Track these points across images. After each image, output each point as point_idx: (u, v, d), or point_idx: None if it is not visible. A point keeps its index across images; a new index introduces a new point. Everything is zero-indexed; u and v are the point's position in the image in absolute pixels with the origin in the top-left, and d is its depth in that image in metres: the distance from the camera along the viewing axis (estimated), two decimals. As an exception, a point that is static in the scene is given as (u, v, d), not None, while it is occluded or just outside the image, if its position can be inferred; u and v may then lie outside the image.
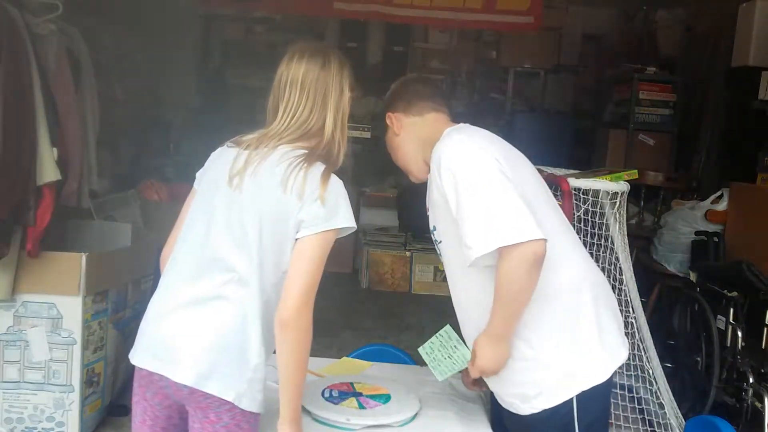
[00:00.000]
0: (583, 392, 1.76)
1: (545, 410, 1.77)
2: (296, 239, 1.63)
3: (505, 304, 1.70)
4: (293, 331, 1.59)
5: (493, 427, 1.97)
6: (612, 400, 2.96)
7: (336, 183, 1.65)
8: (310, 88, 1.70)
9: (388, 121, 2.01)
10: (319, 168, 1.64)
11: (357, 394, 2.04)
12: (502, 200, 1.66)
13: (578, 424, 1.76)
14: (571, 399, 1.76)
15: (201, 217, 1.71)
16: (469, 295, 1.85)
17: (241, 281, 1.62)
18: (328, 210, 1.61)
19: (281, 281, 1.64)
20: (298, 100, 1.70)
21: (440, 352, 1.94)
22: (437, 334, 1.95)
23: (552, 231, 1.72)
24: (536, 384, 1.78)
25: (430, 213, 1.89)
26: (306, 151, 1.67)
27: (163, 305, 1.68)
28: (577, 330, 1.78)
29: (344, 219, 1.64)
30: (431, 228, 1.90)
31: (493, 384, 1.90)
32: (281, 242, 1.64)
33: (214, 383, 1.58)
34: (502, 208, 1.65)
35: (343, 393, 2.04)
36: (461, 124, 1.94)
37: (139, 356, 1.67)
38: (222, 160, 1.73)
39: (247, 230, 1.63)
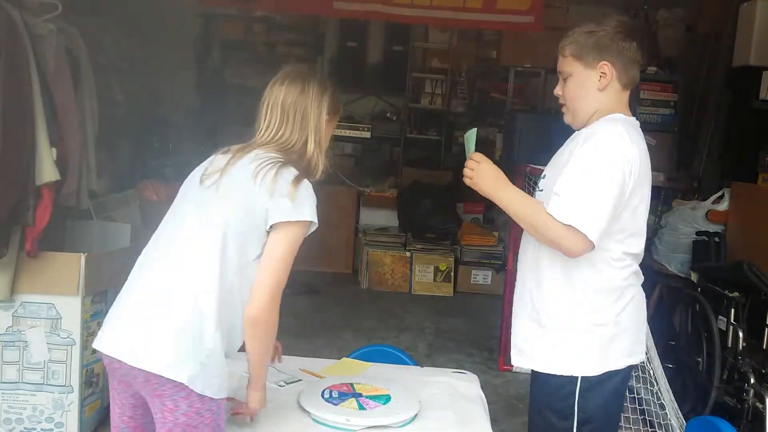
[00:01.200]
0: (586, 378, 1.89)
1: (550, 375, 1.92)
2: (267, 231, 1.73)
3: (524, 212, 1.87)
4: (261, 327, 1.74)
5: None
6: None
7: (306, 184, 1.76)
8: (289, 111, 1.83)
9: (601, 70, 1.95)
10: (291, 171, 1.76)
11: (357, 395, 2.03)
12: (600, 198, 1.80)
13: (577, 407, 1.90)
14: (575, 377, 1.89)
15: (174, 212, 1.83)
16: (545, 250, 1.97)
17: (200, 270, 1.70)
18: (295, 205, 1.71)
19: (246, 268, 1.73)
20: (279, 121, 1.84)
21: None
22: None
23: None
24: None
25: (549, 164, 2.04)
26: (281, 156, 1.79)
27: (123, 294, 1.78)
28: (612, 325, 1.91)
29: (309, 214, 1.74)
30: (542, 175, 2.04)
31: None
32: (246, 233, 1.73)
33: (165, 365, 1.63)
34: (594, 200, 1.79)
35: (342, 394, 2.03)
36: (632, 118, 2.01)
37: (97, 342, 1.75)
38: (204, 164, 1.87)
39: (214, 222, 1.72)
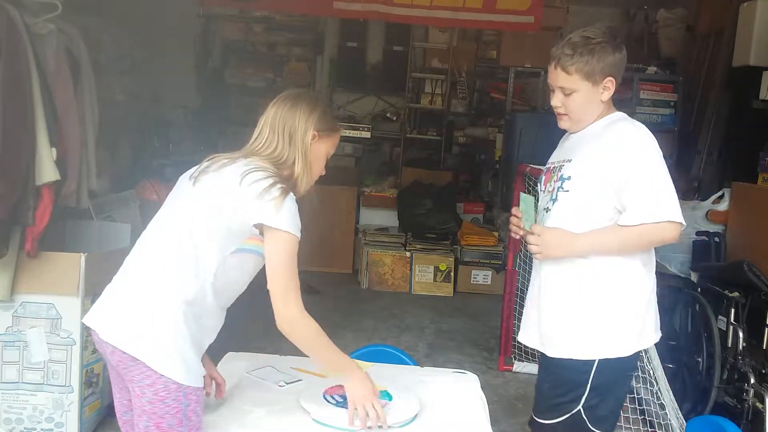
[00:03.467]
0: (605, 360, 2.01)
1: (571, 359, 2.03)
2: (251, 230, 1.78)
3: (610, 241, 1.99)
4: (293, 335, 1.83)
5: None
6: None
7: (292, 199, 1.81)
8: (276, 126, 1.90)
9: (606, 86, 2.04)
10: (279, 185, 1.79)
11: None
12: (671, 185, 1.97)
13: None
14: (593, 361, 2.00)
15: (164, 208, 1.90)
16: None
17: (168, 258, 1.77)
18: (282, 214, 1.76)
19: (223, 263, 1.79)
20: (269, 135, 1.90)
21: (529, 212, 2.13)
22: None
23: None
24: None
25: (568, 165, 2.08)
26: (272, 168, 1.84)
27: (119, 276, 1.86)
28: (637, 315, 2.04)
29: (294, 227, 1.78)
30: (566, 176, 2.07)
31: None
32: (223, 228, 1.78)
33: (128, 341, 1.71)
34: (672, 191, 1.97)
35: (343, 394, 2.03)
36: (626, 114, 2.13)
37: (86, 315, 1.85)
38: (199, 166, 1.92)
39: (189, 214, 1.80)
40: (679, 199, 1.99)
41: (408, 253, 6.18)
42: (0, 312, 2.94)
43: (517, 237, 2.21)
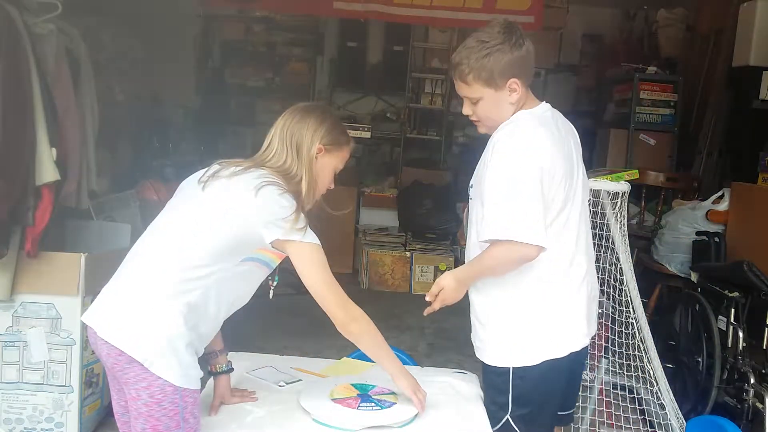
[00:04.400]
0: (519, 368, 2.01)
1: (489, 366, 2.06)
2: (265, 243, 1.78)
3: (480, 269, 1.98)
4: (354, 337, 1.89)
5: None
6: (612, 401, 2.97)
7: (302, 215, 1.81)
8: (284, 137, 1.89)
9: (511, 88, 1.97)
10: (291, 199, 1.80)
11: (357, 395, 2.03)
12: (524, 200, 1.86)
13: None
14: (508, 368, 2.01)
15: (169, 210, 1.88)
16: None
17: (167, 259, 1.75)
18: (302, 226, 1.79)
19: (239, 272, 1.80)
20: (278, 147, 1.89)
21: None
22: None
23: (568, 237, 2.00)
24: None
25: (476, 171, 2.05)
26: (284, 182, 1.83)
27: (117, 275, 1.85)
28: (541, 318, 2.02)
29: (313, 238, 1.83)
30: (470, 184, 2.08)
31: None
32: (229, 236, 1.76)
33: (126, 341, 1.69)
34: (521, 207, 1.85)
35: (343, 394, 2.03)
36: (542, 106, 2.04)
37: (85, 314, 1.84)
38: (207, 169, 1.90)
39: (192, 218, 1.79)
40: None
41: (408, 253, 6.18)
42: (0, 312, 2.94)
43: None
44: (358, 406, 1.96)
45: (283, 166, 1.86)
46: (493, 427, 1.99)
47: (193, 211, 1.81)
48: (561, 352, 2.03)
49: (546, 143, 1.92)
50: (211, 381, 2.01)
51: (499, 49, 1.92)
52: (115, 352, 1.70)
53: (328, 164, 1.94)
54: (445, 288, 2.01)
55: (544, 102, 2.06)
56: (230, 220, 1.75)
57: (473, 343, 2.15)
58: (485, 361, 2.09)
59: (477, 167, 2.05)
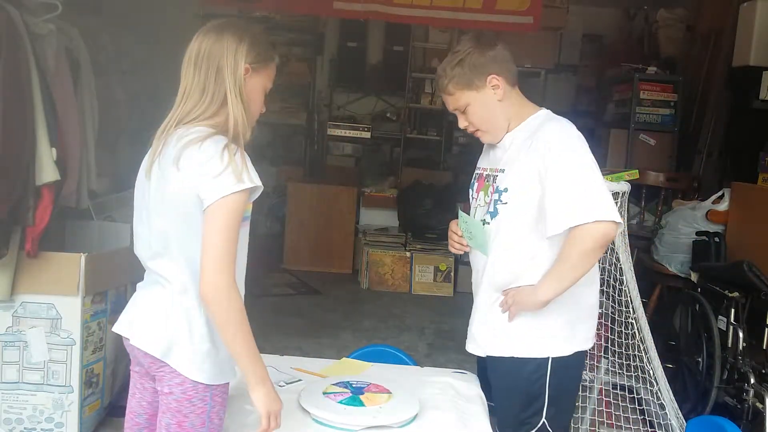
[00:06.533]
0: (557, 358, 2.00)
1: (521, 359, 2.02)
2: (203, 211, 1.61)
3: (560, 270, 1.91)
4: (213, 307, 1.61)
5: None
6: (612, 401, 2.97)
7: (232, 150, 1.60)
8: (202, 64, 1.68)
9: (492, 84, 2.02)
10: (217, 142, 1.62)
11: (357, 395, 2.03)
12: (597, 184, 1.88)
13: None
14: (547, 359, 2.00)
15: (136, 212, 1.82)
16: (511, 255, 2.02)
17: (168, 263, 1.70)
18: (223, 177, 1.58)
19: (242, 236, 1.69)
20: (192, 77, 1.69)
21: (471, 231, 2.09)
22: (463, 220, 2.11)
23: None
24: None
25: (501, 176, 2.03)
26: (203, 128, 1.66)
27: (139, 284, 1.86)
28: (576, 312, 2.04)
29: (241, 182, 1.58)
30: (503, 188, 2.01)
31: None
32: (189, 220, 1.65)
33: (161, 349, 1.67)
34: (596, 190, 1.87)
35: (343, 394, 2.03)
36: (550, 111, 2.09)
37: (116, 324, 1.81)
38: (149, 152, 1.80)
39: (160, 214, 1.70)
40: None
41: (408, 253, 6.18)
42: (0, 312, 2.93)
43: (460, 253, 2.20)
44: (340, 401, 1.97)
45: (199, 99, 1.67)
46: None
47: (151, 207, 1.73)
48: (588, 344, 2.08)
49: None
50: None
51: (469, 53, 2.01)
52: (150, 356, 1.70)
53: (258, 85, 1.73)
54: (519, 297, 1.98)
55: (544, 108, 2.09)
56: (186, 210, 1.63)
57: (491, 342, 2.09)
58: (519, 355, 2.02)
59: (508, 170, 2.01)
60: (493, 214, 2.03)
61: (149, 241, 1.75)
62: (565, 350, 2.02)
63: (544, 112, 2.07)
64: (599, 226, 1.83)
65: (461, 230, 2.12)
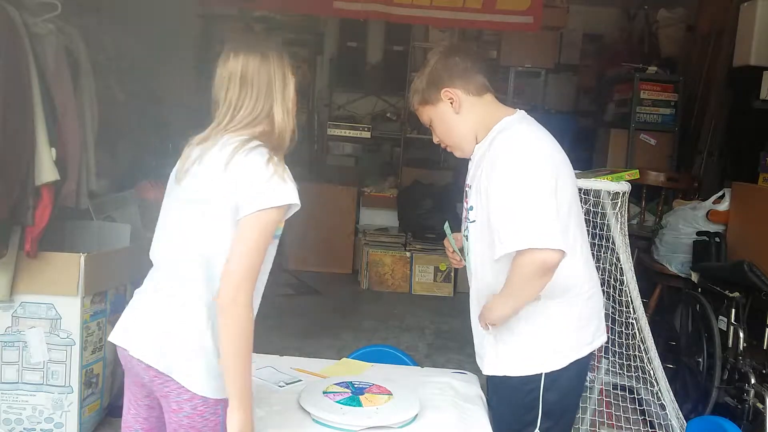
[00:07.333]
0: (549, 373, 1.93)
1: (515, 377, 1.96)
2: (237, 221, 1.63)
3: (509, 294, 1.85)
4: (225, 319, 1.59)
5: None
6: (613, 401, 2.97)
7: (277, 164, 1.65)
8: (252, 81, 1.76)
9: (447, 97, 1.95)
10: (262, 153, 1.66)
11: (357, 395, 2.03)
12: (540, 206, 1.76)
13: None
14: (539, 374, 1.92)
15: (162, 215, 1.80)
16: (489, 275, 1.97)
17: (184, 272, 1.68)
18: (264, 190, 1.61)
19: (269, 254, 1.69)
20: (239, 93, 1.76)
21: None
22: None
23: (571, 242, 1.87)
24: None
25: (470, 192, 1.97)
26: (248, 137, 1.70)
27: (140, 291, 1.80)
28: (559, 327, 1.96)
29: (282, 197, 1.62)
30: (468, 207, 1.97)
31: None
32: (219, 224, 1.64)
33: (167, 363, 1.64)
34: (538, 213, 1.75)
35: (343, 394, 2.03)
36: (520, 114, 1.97)
37: (113, 333, 1.77)
38: (180, 158, 1.82)
39: (188, 221, 1.69)
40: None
41: (408, 254, 6.18)
42: (0, 312, 2.93)
43: (461, 267, 2.15)
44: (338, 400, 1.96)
45: (245, 111, 1.75)
46: None
47: (179, 209, 1.73)
48: (585, 350, 2.00)
49: (545, 144, 1.89)
50: None
51: (430, 68, 1.97)
52: (153, 371, 1.65)
53: (294, 93, 1.85)
54: (486, 311, 1.95)
55: (517, 113, 1.98)
56: (221, 215, 1.64)
57: (484, 360, 2.05)
58: (511, 374, 1.96)
59: (474, 187, 1.94)
60: (467, 231, 2.00)
61: (170, 244, 1.73)
62: (559, 363, 1.94)
63: (508, 120, 1.93)
64: (538, 254, 1.73)
65: (451, 246, 2.10)
